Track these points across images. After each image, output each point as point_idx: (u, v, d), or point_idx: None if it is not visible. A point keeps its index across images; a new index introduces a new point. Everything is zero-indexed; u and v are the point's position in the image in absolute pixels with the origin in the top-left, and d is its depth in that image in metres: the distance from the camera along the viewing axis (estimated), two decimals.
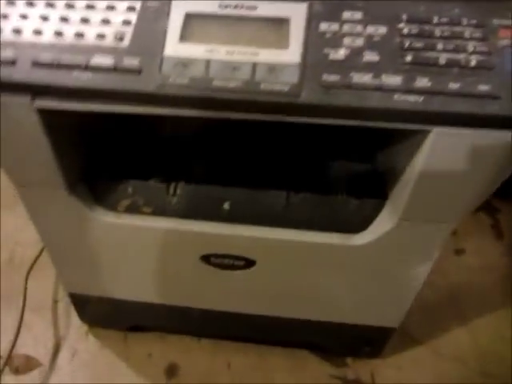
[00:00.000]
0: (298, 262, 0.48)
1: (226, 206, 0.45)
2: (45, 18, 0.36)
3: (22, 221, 0.84)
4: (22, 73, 0.33)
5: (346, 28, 0.34)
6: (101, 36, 0.35)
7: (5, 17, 0.36)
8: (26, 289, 0.66)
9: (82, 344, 0.63)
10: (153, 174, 0.46)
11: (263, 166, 0.47)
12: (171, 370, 0.61)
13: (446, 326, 0.69)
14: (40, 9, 0.36)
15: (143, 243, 0.48)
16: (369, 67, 0.33)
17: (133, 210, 0.45)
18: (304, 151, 0.49)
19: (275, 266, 0.49)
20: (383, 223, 0.43)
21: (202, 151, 0.48)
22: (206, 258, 0.48)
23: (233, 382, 0.60)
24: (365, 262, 0.46)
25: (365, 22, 0.35)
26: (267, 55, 0.33)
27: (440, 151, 0.35)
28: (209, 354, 0.63)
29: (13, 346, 0.58)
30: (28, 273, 0.67)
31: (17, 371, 0.58)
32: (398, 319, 0.54)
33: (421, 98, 0.32)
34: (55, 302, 0.68)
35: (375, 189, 0.45)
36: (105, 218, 0.45)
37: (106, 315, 0.62)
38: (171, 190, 0.45)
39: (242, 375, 0.61)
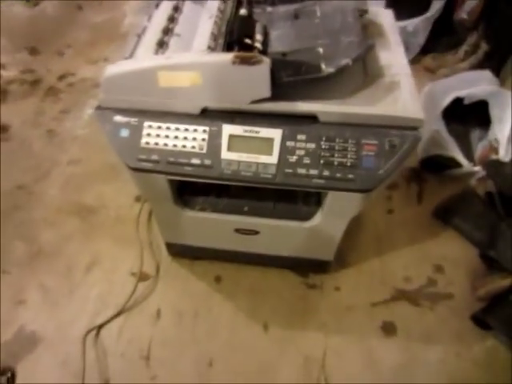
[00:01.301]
0: (279, 232, 0.96)
1: (246, 208, 0.93)
2: (167, 136, 0.79)
3: (119, 190, 1.34)
4: (162, 166, 0.79)
5: (298, 145, 0.78)
6: (193, 147, 0.79)
7: (148, 135, 0.80)
8: (142, 236, 1.18)
9: (170, 266, 1.16)
10: (212, 193, 0.93)
11: (262, 196, 0.93)
12: (218, 279, 1.14)
13: (367, 257, 1.19)
14: (164, 131, 0.79)
15: (208, 224, 0.97)
16: (305, 165, 0.77)
17: (203, 209, 0.93)
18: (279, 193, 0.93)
19: (268, 233, 0.97)
20: (318, 217, 0.91)
21: (235, 191, 0.94)
22: (237, 230, 0.97)
23: (252, 284, 1.13)
24: (310, 233, 0.94)
25: (305, 141, 0.78)
26: (263, 159, 0.77)
27: (333, 199, 0.81)
28: (237, 271, 1.15)
29: (141, 268, 1.13)
30: (148, 224, 1.20)
31: (142, 279, 1.12)
32: (331, 255, 1.04)
33: (323, 181, 0.76)
34: (150, 243, 1.21)
35: (315, 203, 0.92)
36: (189, 214, 0.94)
37: (183, 252, 1.14)
38: (220, 201, 0.93)
39: (255, 282, 1.13)
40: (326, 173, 0.76)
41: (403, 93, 0.78)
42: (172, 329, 1.04)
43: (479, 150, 1.39)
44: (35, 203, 1.30)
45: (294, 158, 0.77)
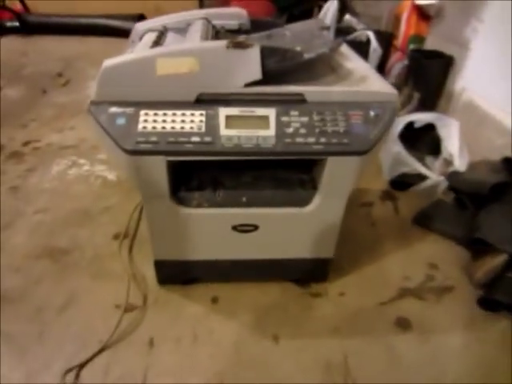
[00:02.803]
0: (278, 223, 0.95)
1: (244, 199, 0.92)
2: (164, 121, 0.81)
3: (94, 232, 1.25)
4: (162, 146, 0.79)
5: (292, 119, 0.83)
6: (191, 127, 0.81)
7: (145, 121, 0.81)
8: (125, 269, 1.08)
9: (160, 294, 1.04)
10: (208, 187, 0.92)
11: (261, 180, 0.95)
12: (214, 300, 1.03)
13: (363, 264, 1.18)
14: (160, 117, 0.82)
15: (205, 224, 0.93)
16: (302, 135, 0.82)
17: (199, 205, 0.91)
18: (279, 174, 0.97)
19: (268, 227, 0.95)
20: (316, 200, 0.92)
21: (229, 177, 0.95)
22: (235, 228, 0.94)
23: (252, 301, 1.04)
24: (310, 220, 0.94)
25: (298, 116, 0.84)
26: (262, 133, 0.81)
27: (331, 169, 0.85)
28: (235, 290, 1.06)
29: (127, 300, 1.00)
30: (129, 258, 1.11)
31: (128, 310, 0.99)
32: (331, 250, 1.02)
33: (322, 146, 0.81)
34: (134, 275, 1.10)
35: (312, 188, 0.94)
36: (186, 211, 0.90)
37: (174, 276, 1.04)
38: (217, 195, 0.92)
39: (256, 298, 1.04)
40: (322, 139, 0.81)
41: (375, 80, 0.90)
42: (170, 356, 0.89)
43: (437, 166, 1.54)
44: None
45: (290, 130, 0.82)
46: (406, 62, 2.14)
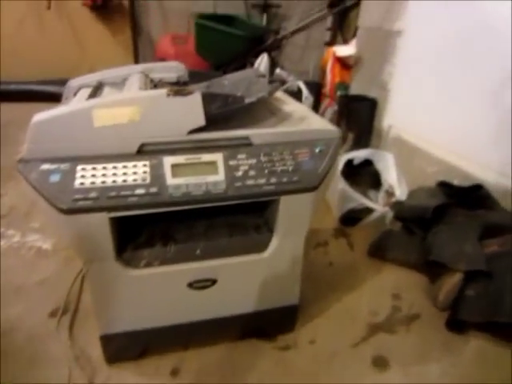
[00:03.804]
0: (237, 274, 0.89)
1: (198, 251, 0.85)
2: (104, 175, 0.75)
3: (28, 310, 1.08)
4: (103, 202, 0.71)
5: (240, 162, 0.81)
6: (135, 179, 0.75)
7: (83, 176, 0.74)
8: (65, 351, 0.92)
9: (110, 375, 0.90)
10: (157, 242, 0.84)
11: (214, 229, 0.90)
12: (174, 372, 0.91)
13: (329, 305, 1.13)
14: (100, 171, 0.75)
15: (156, 285, 0.84)
16: (252, 177, 0.79)
17: (149, 264, 0.82)
18: (232, 220, 0.93)
19: (226, 279, 0.88)
20: (274, 243, 0.88)
21: (180, 229, 0.89)
22: (191, 285, 0.86)
23: (218, 365, 0.93)
24: (271, 266, 0.89)
25: (246, 158, 0.82)
26: (211, 178, 0.78)
27: (286, 205, 0.82)
28: (197, 356, 0.95)
29: None
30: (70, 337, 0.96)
31: None
32: (296, 296, 0.97)
33: (273, 187, 0.79)
34: (77, 357, 0.94)
35: (267, 231, 0.91)
36: (134, 273, 0.81)
37: (125, 349, 0.91)
38: (168, 250, 0.84)
39: (221, 361, 0.94)
40: (273, 180, 0.80)
41: (315, 119, 0.93)
42: None
43: (380, 198, 1.61)
44: None
45: (240, 173, 0.80)
46: (335, 107, 2.30)
